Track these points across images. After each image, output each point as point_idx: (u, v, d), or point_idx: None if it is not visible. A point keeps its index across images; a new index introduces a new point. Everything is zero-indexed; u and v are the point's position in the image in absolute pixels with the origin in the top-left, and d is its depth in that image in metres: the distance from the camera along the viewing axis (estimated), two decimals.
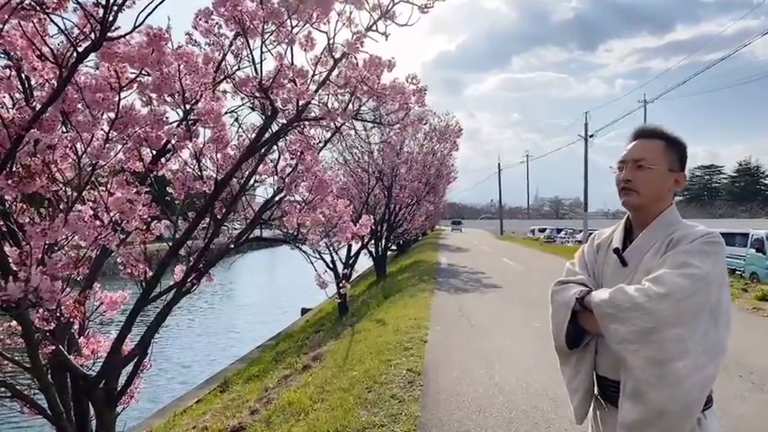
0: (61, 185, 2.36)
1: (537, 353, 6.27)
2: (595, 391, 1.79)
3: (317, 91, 3.06)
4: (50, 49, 2.20)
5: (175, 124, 2.81)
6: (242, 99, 3.26)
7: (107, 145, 2.27)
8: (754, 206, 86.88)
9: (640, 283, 1.57)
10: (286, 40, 2.79)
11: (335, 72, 3.09)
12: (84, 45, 2.19)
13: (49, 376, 3.01)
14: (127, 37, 2.28)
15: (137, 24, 2.16)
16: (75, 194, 2.37)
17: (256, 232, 3.95)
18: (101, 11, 2.12)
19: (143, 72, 2.42)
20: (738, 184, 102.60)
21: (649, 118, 36.24)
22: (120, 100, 2.37)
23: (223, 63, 3.17)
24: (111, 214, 2.58)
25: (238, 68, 3.19)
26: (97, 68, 2.54)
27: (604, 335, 1.58)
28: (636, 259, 1.71)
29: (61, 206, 2.46)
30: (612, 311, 1.54)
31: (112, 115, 2.41)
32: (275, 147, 3.57)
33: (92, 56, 2.32)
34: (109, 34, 2.13)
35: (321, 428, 4.28)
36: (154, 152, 3.05)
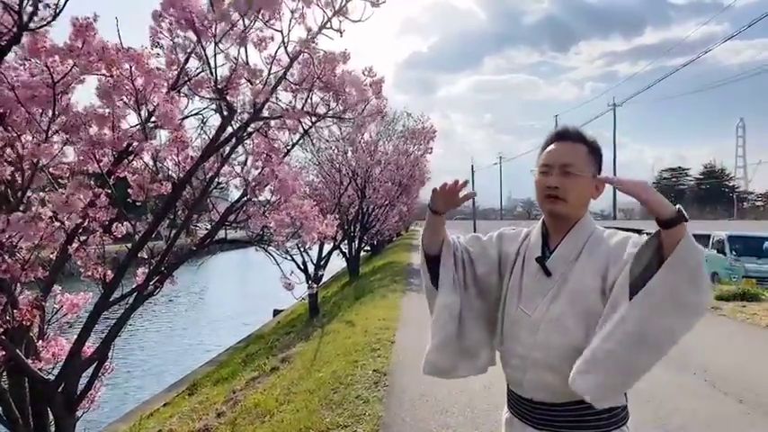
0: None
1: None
2: (507, 414, 1.74)
3: (273, 89, 3.07)
4: None
5: (134, 126, 2.80)
6: (206, 101, 3.27)
7: (44, 144, 2.23)
8: (718, 208, 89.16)
9: (572, 294, 1.54)
10: (238, 41, 2.79)
11: (292, 70, 3.11)
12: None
13: (5, 381, 2.97)
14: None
15: (57, 12, 2.11)
16: (19, 195, 2.35)
17: (222, 233, 3.96)
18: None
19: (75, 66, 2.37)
20: (704, 186, 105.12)
21: (618, 121, 36.98)
22: (54, 96, 2.32)
23: (187, 65, 3.17)
24: (71, 216, 2.57)
25: (202, 71, 3.20)
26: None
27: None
28: (561, 269, 1.59)
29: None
30: None
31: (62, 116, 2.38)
32: (241, 149, 3.59)
33: None
34: (31, 25, 2.10)
35: (285, 430, 4.29)
36: (115, 154, 3.03)
